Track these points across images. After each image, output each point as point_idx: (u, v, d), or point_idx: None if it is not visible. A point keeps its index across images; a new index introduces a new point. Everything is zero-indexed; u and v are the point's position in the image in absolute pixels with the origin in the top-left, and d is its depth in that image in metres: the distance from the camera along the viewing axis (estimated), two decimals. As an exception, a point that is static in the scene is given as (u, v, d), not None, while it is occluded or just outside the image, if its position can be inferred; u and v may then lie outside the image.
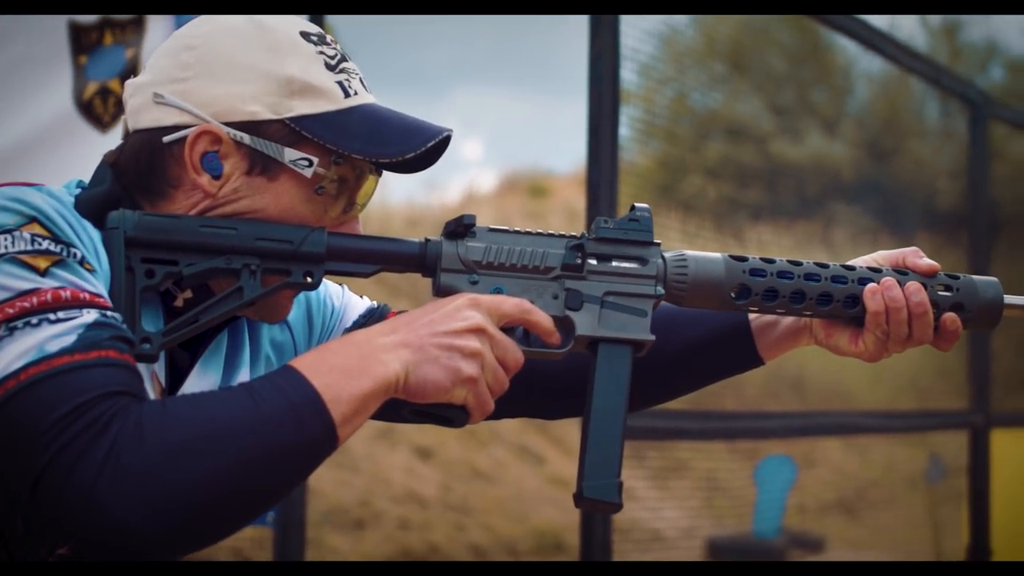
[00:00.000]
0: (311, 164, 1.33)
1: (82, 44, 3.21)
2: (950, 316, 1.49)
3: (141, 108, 1.35)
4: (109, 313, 1.19)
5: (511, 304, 1.33)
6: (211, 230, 1.30)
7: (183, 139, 1.32)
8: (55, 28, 3.18)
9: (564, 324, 1.39)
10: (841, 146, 7.46)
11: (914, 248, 1.54)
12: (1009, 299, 1.53)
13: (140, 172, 1.34)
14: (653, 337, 1.40)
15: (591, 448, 1.36)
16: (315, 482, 5.68)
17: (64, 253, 1.20)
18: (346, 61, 1.38)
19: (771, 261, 1.46)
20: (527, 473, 8.11)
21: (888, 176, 6.69)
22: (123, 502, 1.09)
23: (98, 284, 1.22)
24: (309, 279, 1.33)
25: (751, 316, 1.56)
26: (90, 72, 3.22)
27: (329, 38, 1.39)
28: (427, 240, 1.38)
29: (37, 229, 1.21)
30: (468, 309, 1.29)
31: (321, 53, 1.36)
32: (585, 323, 1.39)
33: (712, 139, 5.28)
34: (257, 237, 1.31)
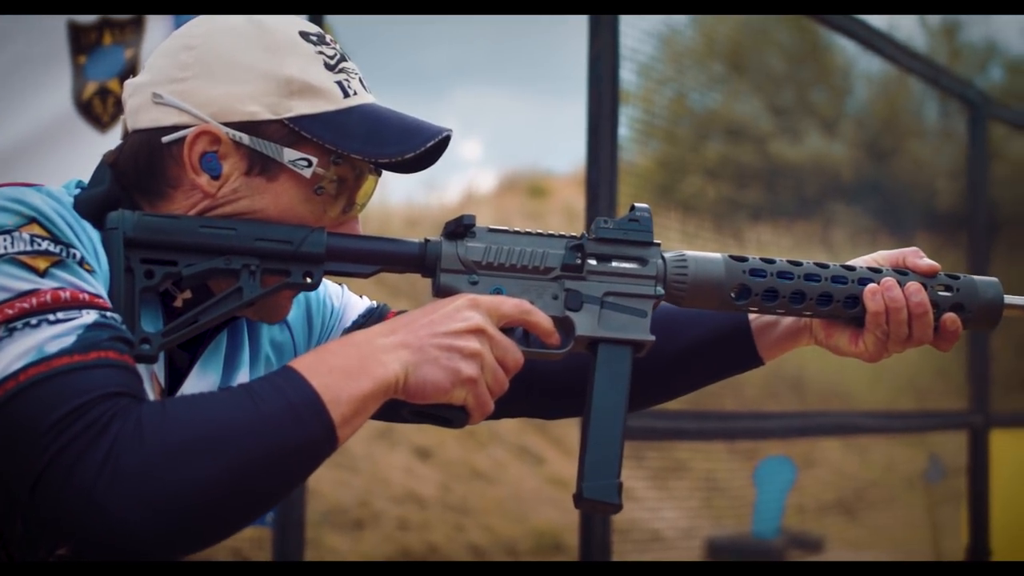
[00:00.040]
0: (310, 164, 1.33)
1: (81, 44, 3.21)
2: (950, 316, 1.49)
3: (140, 108, 1.35)
4: (108, 314, 1.19)
5: (511, 305, 1.32)
6: (210, 230, 1.30)
7: (182, 139, 1.32)
8: (54, 28, 3.17)
9: (564, 324, 1.39)
10: (840, 146, 7.46)
11: (914, 248, 1.54)
12: (1009, 299, 1.53)
13: (139, 172, 1.34)
14: (653, 337, 1.40)
15: (591, 449, 1.36)
16: (314, 482, 5.68)
17: (63, 254, 1.20)
18: (345, 61, 1.38)
19: (771, 261, 1.46)
20: (526, 473, 8.11)
21: (887, 176, 6.69)
22: (122, 503, 1.09)
23: (97, 285, 1.22)
24: (309, 279, 1.33)
25: (751, 316, 1.56)
26: (89, 72, 3.22)
27: (328, 38, 1.39)
28: (427, 240, 1.37)
29: (36, 230, 1.20)
30: (468, 310, 1.29)
31: (320, 53, 1.35)
32: (585, 323, 1.39)
33: (711, 139, 5.28)
34: (256, 237, 1.31)
